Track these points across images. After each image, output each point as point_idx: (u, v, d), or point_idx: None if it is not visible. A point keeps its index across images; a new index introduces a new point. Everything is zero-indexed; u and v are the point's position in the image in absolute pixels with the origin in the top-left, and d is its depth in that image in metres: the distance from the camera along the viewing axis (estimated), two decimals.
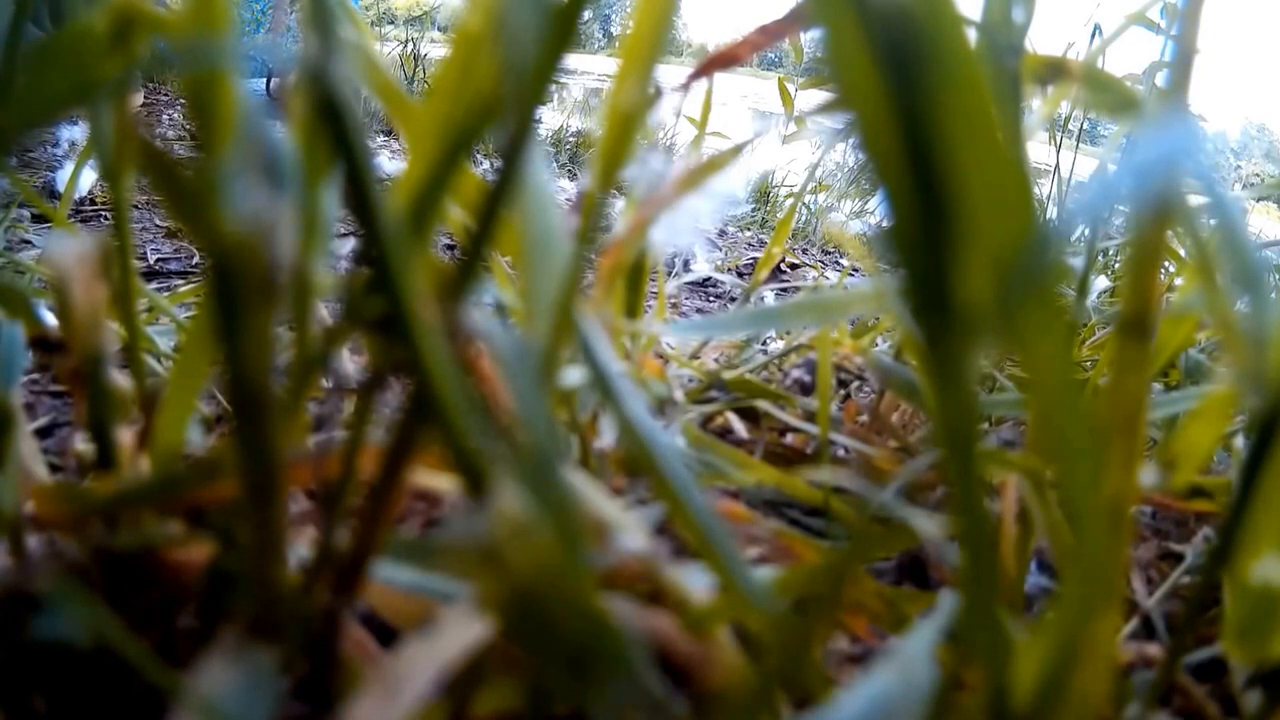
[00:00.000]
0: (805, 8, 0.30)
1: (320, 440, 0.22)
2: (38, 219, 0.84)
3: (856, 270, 1.05)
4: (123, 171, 0.24)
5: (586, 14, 0.18)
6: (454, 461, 0.17)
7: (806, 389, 0.47)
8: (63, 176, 1.01)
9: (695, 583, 0.21)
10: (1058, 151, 0.85)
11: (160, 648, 0.22)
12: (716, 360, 0.53)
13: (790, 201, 0.74)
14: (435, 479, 0.24)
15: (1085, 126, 0.91)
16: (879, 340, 0.53)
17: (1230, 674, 0.28)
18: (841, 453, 0.43)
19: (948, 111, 0.13)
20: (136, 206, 0.98)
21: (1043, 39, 0.42)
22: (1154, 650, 0.28)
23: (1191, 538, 0.39)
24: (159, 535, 0.22)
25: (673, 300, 0.89)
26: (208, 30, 0.20)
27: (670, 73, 0.31)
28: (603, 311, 0.36)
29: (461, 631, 0.17)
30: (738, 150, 0.39)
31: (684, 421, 0.35)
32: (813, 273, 1.19)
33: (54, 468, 0.32)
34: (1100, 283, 0.71)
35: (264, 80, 1.60)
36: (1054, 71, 0.34)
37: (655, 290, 0.57)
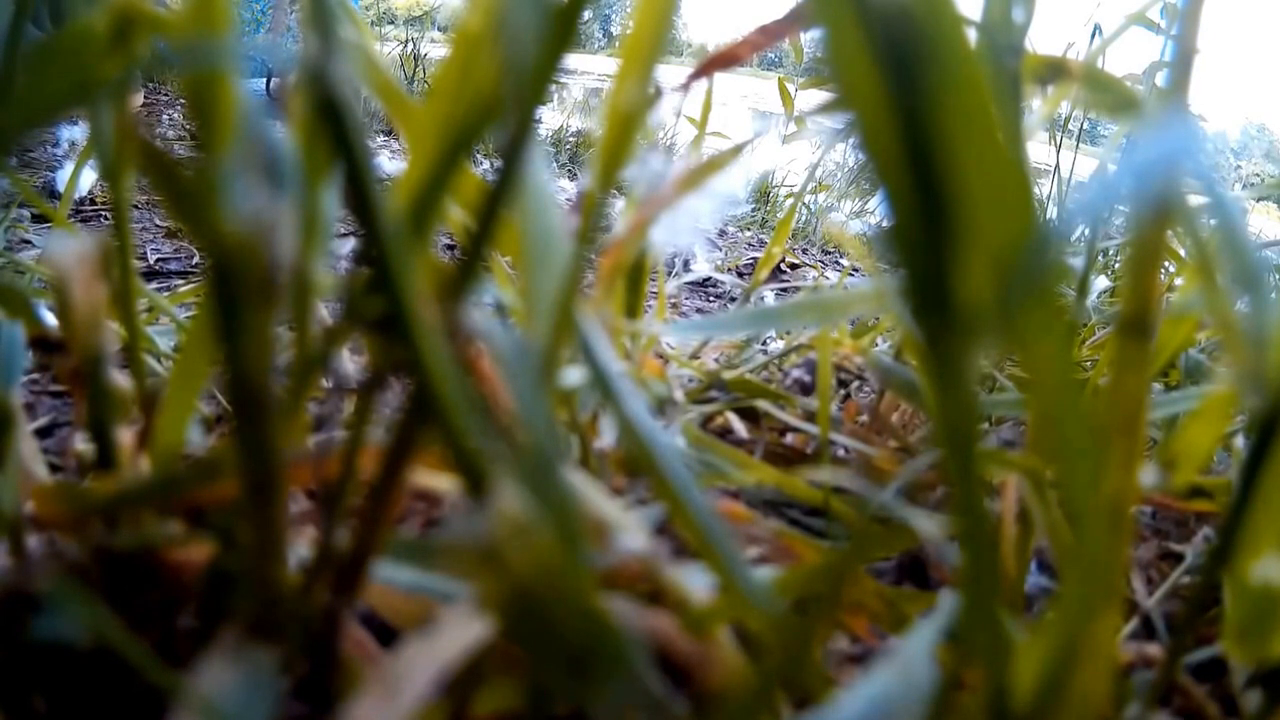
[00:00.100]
0: (805, 8, 0.30)
1: (320, 440, 0.22)
2: (38, 219, 0.84)
3: (856, 270, 1.05)
4: (123, 171, 0.24)
5: (586, 14, 0.18)
6: (454, 461, 0.17)
7: (806, 389, 0.47)
8: (63, 176, 1.01)
9: (695, 583, 0.21)
10: (1058, 151, 0.85)
11: (160, 648, 0.22)
12: (716, 360, 0.53)
13: (790, 201, 0.74)
14: (435, 479, 0.24)
15: (1085, 126, 0.91)
16: (879, 340, 0.53)
17: (1230, 674, 0.28)
18: (841, 453, 0.43)
19: (948, 111, 0.13)
20: (136, 206, 0.98)
21: (1043, 39, 0.42)
22: (1154, 650, 0.28)
23: (1191, 538, 0.39)
24: (159, 535, 0.22)
25: (673, 300, 0.89)
26: (208, 30, 0.20)
27: (670, 73, 0.31)
28: (603, 311, 0.36)
29: (461, 631, 0.17)
30: (738, 150, 0.39)
31: (684, 421, 0.35)
32: (813, 273, 1.19)
33: (54, 468, 0.32)
34: (1100, 283, 0.71)
35: (264, 80, 1.60)
36: (1054, 71, 0.34)
37: (655, 290, 0.57)
